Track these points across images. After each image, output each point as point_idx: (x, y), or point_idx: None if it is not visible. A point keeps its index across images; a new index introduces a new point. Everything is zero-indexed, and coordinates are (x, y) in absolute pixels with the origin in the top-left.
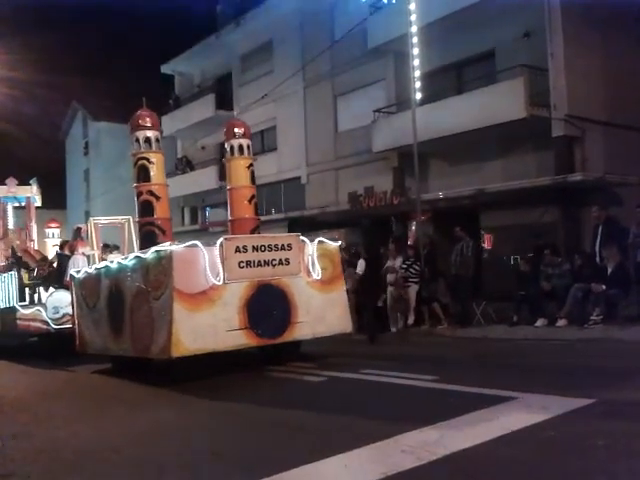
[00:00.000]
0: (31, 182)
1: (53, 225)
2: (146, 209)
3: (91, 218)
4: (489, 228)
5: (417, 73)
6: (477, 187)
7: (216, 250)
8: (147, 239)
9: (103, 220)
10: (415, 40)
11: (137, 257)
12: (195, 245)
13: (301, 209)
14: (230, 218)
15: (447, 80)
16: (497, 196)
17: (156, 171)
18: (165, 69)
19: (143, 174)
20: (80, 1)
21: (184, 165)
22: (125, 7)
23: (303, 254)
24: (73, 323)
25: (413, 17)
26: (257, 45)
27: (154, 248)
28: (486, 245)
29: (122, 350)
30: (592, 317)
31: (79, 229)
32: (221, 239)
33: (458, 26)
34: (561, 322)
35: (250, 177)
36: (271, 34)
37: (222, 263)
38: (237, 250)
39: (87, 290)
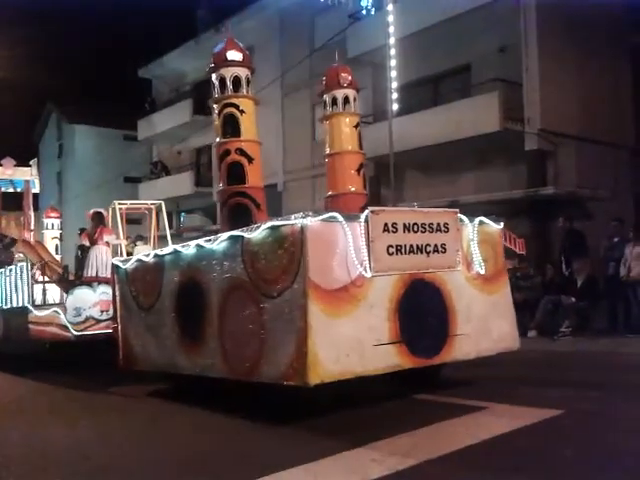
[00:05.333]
0: (31, 163)
1: (53, 215)
2: (235, 174)
3: (115, 201)
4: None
5: (394, 84)
6: (451, 198)
7: (359, 227)
8: (238, 214)
9: (128, 204)
10: (393, 52)
11: (233, 237)
12: (334, 218)
13: (277, 216)
14: (329, 193)
15: (423, 92)
16: (470, 208)
17: (248, 123)
18: (143, 73)
19: (231, 126)
20: (58, 3)
21: (159, 170)
22: (103, 11)
23: (461, 239)
24: (115, 329)
25: (391, 29)
26: None
27: (267, 224)
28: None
29: (202, 368)
30: (561, 329)
31: (101, 214)
32: (367, 211)
33: (435, 39)
34: (531, 333)
35: (358, 140)
36: (250, 41)
37: (368, 247)
38: (385, 229)
39: (139, 286)
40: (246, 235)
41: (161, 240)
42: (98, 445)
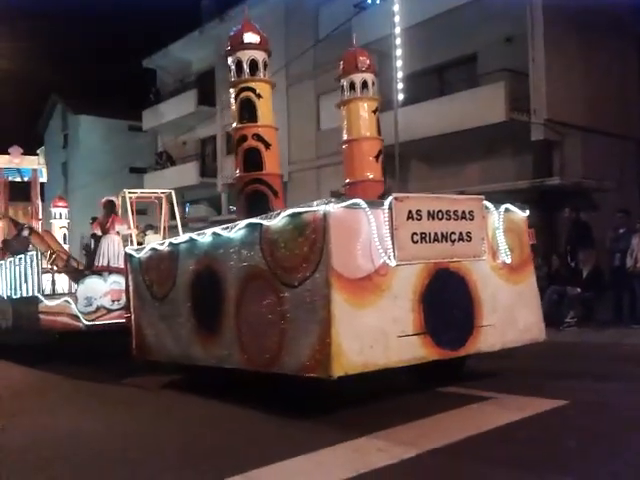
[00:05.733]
0: (38, 152)
1: (61, 204)
2: (252, 160)
3: (125, 190)
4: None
5: (400, 74)
6: (457, 189)
7: (382, 215)
8: (254, 201)
9: (138, 193)
10: (398, 41)
11: (251, 225)
12: (357, 205)
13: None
14: (347, 180)
15: (429, 82)
16: None
17: (264, 109)
18: (147, 63)
19: (247, 111)
20: None
21: (164, 160)
22: (107, 3)
23: (487, 227)
24: (128, 319)
25: (397, 18)
26: None
27: (287, 211)
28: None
29: (217, 359)
30: (567, 320)
31: (113, 203)
32: (390, 198)
33: (441, 29)
34: None
35: (376, 125)
36: None
37: (392, 235)
38: (409, 216)
39: (153, 275)
40: (265, 222)
41: (171, 230)
42: (106, 437)
